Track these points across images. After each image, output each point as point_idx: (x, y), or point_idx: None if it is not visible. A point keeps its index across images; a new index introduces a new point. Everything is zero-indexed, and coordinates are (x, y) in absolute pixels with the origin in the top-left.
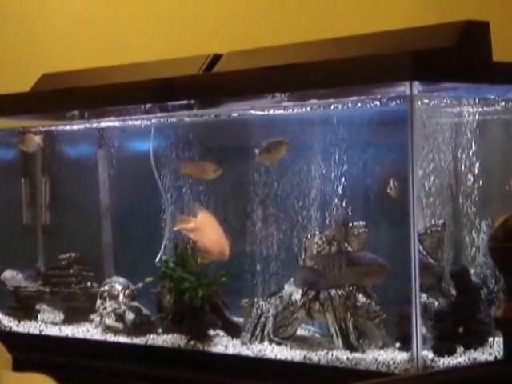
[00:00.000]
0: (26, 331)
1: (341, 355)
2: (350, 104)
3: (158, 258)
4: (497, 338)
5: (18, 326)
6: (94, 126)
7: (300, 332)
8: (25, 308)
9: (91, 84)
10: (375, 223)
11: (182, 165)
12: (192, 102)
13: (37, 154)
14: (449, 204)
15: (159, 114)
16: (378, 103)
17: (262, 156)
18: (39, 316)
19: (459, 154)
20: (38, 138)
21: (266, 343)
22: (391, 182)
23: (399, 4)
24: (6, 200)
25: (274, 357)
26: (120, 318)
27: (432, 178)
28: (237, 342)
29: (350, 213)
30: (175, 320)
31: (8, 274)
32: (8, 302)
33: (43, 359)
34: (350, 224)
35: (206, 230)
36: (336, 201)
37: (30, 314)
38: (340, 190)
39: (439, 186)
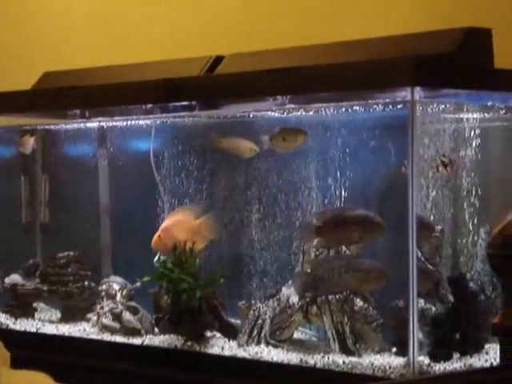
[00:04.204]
0: (23, 329)
1: (337, 359)
2: (350, 108)
3: (156, 258)
4: (493, 345)
5: (14, 323)
6: (95, 125)
7: (297, 335)
8: (22, 306)
9: (93, 83)
10: None
11: (215, 138)
12: (193, 103)
13: (36, 153)
14: (447, 210)
15: (159, 115)
16: (378, 108)
17: (275, 142)
18: (36, 314)
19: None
20: (33, 140)
21: (262, 345)
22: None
23: (402, 9)
24: (5, 198)
25: (270, 359)
26: (117, 317)
27: (431, 184)
28: (233, 343)
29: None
30: (172, 320)
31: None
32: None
33: (40, 357)
34: None
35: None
36: (335, 204)
37: (27, 312)
38: (339, 194)
39: (438, 191)
